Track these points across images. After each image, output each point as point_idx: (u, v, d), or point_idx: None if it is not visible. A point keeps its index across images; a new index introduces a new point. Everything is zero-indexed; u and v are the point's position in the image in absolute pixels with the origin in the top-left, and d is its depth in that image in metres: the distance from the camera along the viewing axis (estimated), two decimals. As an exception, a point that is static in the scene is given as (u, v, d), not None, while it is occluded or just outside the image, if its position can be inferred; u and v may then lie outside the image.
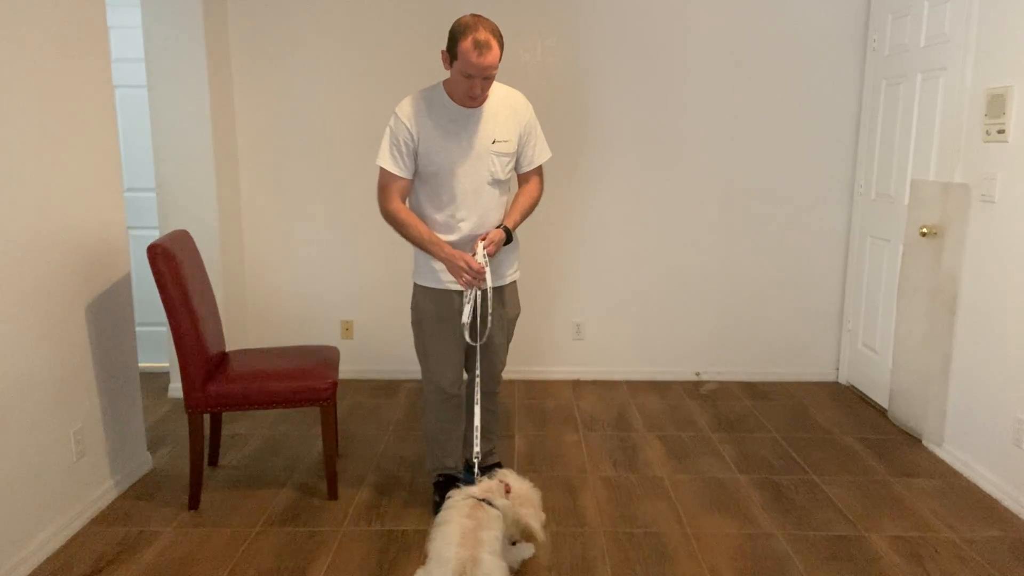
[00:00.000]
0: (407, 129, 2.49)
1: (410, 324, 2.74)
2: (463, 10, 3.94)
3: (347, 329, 4.28)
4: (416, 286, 2.69)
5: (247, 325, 4.25)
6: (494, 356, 2.76)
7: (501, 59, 2.42)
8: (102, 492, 2.79)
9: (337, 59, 4.02)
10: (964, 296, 3.14)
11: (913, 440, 3.44)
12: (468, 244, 2.60)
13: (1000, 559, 2.48)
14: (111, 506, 2.81)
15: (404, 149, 2.50)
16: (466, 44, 2.33)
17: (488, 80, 2.42)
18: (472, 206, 2.56)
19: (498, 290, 2.67)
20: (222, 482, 3.01)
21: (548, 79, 4.03)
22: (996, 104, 2.91)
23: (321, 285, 4.24)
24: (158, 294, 2.63)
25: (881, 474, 3.10)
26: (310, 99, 4.06)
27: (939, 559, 2.48)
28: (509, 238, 2.59)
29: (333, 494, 2.86)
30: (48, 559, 2.45)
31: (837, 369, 4.30)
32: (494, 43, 2.35)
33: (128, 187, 4.13)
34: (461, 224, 2.58)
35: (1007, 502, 2.83)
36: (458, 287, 2.58)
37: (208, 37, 3.72)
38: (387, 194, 2.54)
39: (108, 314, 2.83)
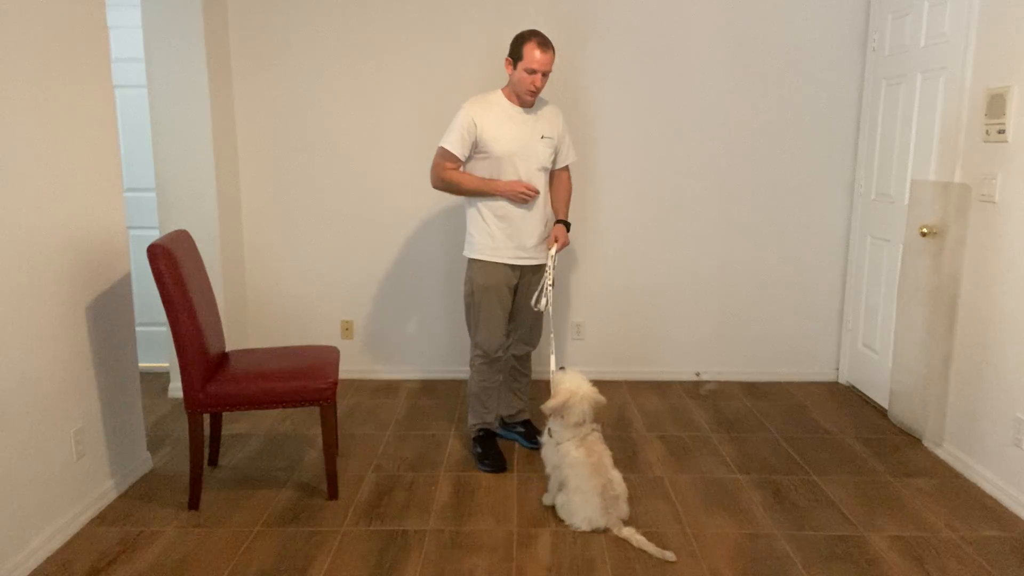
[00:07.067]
0: (472, 120, 2.98)
1: (462, 297, 3.21)
2: (459, 10, 3.94)
3: (347, 329, 4.28)
4: (470, 261, 3.12)
5: (247, 325, 4.25)
6: (537, 321, 3.26)
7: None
8: (102, 492, 2.79)
9: (337, 59, 4.02)
10: (964, 296, 3.14)
11: (913, 440, 3.44)
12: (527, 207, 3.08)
13: (1000, 559, 2.48)
14: (111, 506, 2.81)
15: (467, 136, 2.99)
16: (531, 44, 2.91)
17: (546, 76, 2.96)
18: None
19: (541, 266, 3.14)
20: (222, 482, 3.01)
21: (548, 79, 4.01)
22: (996, 104, 2.91)
23: (321, 285, 4.24)
24: (158, 294, 2.63)
25: (881, 474, 3.10)
26: (310, 99, 4.06)
27: (939, 559, 2.48)
28: (568, 227, 3.15)
29: (333, 494, 2.86)
30: (48, 559, 2.45)
31: (837, 369, 4.30)
32: (550, 44, 2.95)
33: (128, 187, 4.12)
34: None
35: (1007, 502, 2.83)
36: (510, 261, 3.06)
37: (208, 37, 3.72)
38: (443, 167, 3.03)
39: (108, 314, 2.83)
